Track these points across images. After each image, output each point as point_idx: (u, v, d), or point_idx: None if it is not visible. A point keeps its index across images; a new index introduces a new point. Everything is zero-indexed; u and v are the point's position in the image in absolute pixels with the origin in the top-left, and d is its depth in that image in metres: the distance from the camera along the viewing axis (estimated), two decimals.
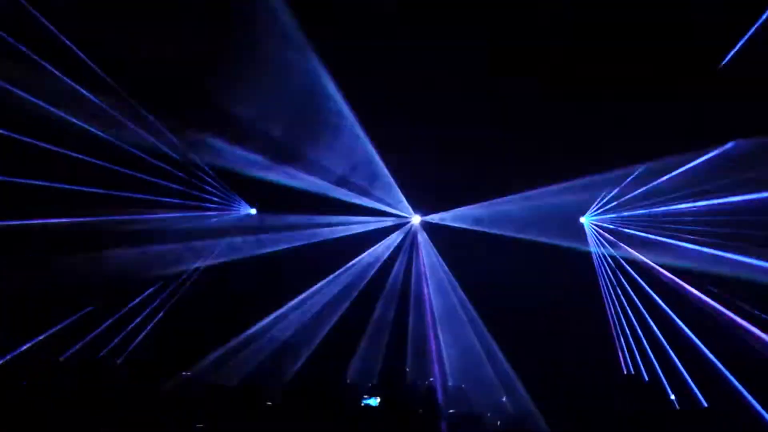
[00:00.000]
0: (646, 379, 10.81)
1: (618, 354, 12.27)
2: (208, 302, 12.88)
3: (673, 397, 8.72)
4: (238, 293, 13.07)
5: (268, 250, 13.56)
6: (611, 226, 13.15)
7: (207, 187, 13.16)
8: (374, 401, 9.61)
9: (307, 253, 13.76)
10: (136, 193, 11.25)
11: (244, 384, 9.54)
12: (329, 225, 14.08)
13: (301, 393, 8.98)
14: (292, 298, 13.53)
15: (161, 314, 12.35)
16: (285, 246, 13.62)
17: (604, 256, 13.11)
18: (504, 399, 10.50)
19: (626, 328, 12.16)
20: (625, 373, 11.75)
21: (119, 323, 11.55)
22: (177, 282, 12.79)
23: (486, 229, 13.69)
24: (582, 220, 13.78)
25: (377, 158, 13.01)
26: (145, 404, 7.05)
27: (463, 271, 13.87)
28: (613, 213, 12.96)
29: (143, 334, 11.99)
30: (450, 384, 11.89)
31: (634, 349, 11.79)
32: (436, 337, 13.44)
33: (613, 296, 12.70)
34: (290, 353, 12.50)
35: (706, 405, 7.81)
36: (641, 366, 11.42)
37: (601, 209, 13.22)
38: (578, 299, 12.56)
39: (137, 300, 11.92)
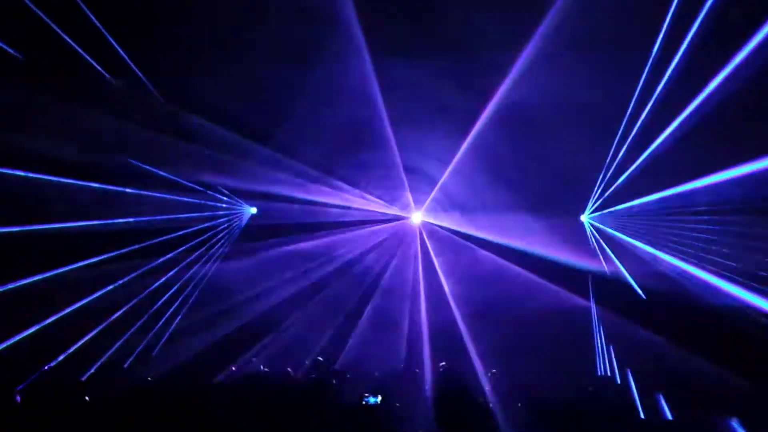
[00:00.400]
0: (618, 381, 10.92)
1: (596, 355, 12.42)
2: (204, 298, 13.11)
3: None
4: (229, 291, 13.22)
5: (263, 246, 13.69)
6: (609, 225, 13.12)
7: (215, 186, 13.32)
8: (375, 399, 9.71)
9: (303, 247, 13.93)
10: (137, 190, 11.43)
11: (241, 382, 9.69)
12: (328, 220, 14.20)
13: (299, 390, 9.11)
14: (287, 295, 13.70)
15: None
16: (279, 241, 13.76)
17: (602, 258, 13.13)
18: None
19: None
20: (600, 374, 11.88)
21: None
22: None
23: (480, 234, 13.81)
24: (582, 218, 13.77)
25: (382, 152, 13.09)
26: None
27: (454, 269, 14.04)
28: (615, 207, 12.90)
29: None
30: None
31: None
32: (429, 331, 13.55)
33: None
34: (288, 349, 12.66)
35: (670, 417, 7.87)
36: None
37: (602, 204, 13.14)
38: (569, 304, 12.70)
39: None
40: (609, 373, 11.75)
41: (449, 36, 10.01)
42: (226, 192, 13.71)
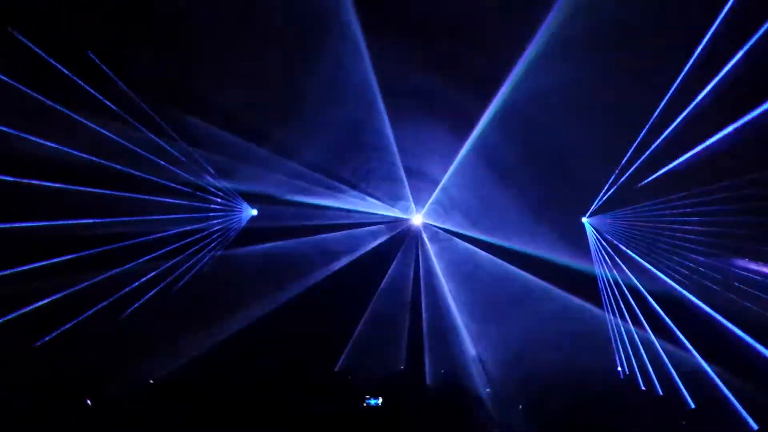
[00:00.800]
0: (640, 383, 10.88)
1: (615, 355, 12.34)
2: (205, 296, 13.01)
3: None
4: (236, 289, 13.13)
5: (268, 246, 13.59)
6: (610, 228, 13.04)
7: (210, 188, 13.22)
8: (376, 401, 9.65)
9: (305, 249, 13.86)
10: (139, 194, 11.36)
11: (242, 382, 9.62)
12: (329, 222, 14.13)
13: (303, 391, 9.06)
14: (291, 295, 13.60)
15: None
16: (285, 242, 13.68)
17: (604, 257, 13.05)
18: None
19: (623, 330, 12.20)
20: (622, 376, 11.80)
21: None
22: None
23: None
24: (584, 220, 13.68)
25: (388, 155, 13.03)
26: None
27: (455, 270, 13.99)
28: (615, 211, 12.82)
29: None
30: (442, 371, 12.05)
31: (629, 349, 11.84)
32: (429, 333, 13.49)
33: (613, 300, 12.68)
34: (291, 350, 12.57)
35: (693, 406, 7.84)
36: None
37: (603, 208, 13.07)
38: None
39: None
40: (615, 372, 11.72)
41: (450, 35, 10.01)
42: (222, 193, 13.64)
